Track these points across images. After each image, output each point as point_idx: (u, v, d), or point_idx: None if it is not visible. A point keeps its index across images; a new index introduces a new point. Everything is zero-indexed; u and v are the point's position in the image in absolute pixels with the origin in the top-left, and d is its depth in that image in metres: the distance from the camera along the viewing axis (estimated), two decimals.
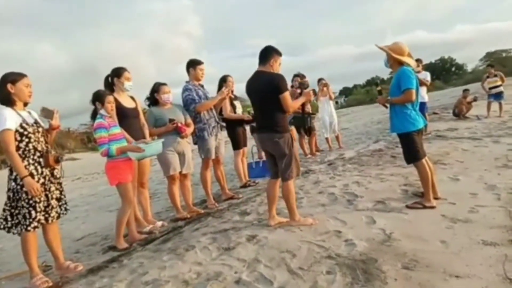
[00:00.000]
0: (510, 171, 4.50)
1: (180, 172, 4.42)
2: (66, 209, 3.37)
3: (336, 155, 7.23)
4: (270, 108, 3.37)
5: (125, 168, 3.67)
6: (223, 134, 5.19)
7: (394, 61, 3.73)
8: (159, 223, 4.27)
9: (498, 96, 10.46)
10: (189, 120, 4.54)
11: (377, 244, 2.87)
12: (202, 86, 4.90)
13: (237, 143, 5.63)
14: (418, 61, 8.38)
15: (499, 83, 10.47)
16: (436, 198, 3.69)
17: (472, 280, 2.23)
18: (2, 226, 3.05)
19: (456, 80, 56.15)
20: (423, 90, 8.03)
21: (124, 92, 4.14)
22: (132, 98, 4.26)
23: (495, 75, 10.63)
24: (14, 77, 3.00)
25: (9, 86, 2.97)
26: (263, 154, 6.35)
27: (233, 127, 5.54)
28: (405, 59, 3.71)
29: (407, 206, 3.63)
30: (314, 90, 4.32)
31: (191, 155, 4.60)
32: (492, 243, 2.67)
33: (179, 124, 4.27)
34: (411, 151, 3.70)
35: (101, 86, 4.07)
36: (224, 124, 5.23)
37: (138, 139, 3.89)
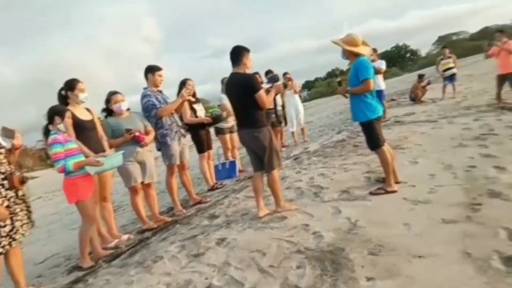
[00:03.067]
0: (465, 150, 4.70)
1: (143, 182, 4.30)
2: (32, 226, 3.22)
3: (301, 149, 7.31)
4: (247, 106, 3.59)
5: (84, 184, 3.52)
6: (187, 139, 5.11)
7: (349, 53, 3.81)
8: (125, 237, 4.15)
9: (452, 78, 10.92)
10: (149, 128, 4.43)
11: (343, 233, 2.91)
12: (160, 92, 4.80)
13: (201, 146, 5.56)
14: (374, 50, 8.61)
15: (452, 65, 10.90)
16: (397, 182, 3.80)
17: (435, 258, 2.30)
18: None
19: (411, 66, 58.44)
20: (379, 78, 8.25)
21: (80, 104, 3.98)
22: (88, 110, 4.11)
23: (449, 57, 11.08)
24: None
25: None
26: (229, 155, 6.34)
27: (195, 131, 5.47)
28: (359, 49, 3.79)
29: (371, 193, 3.72)
30: (284, 84, 4.35)
31: (154, 163, 4.49)
32: (452, 220, 2.77)
33: (137, 133, 4.15)
34: (373, 138, 3.81)
35: (55, 99, 3.90)
36: (186, 128, 5.14)
37: (97, 152, 3.76)
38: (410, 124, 7.48)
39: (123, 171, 4.17)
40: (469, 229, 2.58)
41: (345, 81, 4.16)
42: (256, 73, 7.04)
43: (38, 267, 4.27)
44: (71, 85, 3.92)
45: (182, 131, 4.87)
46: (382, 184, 3.84)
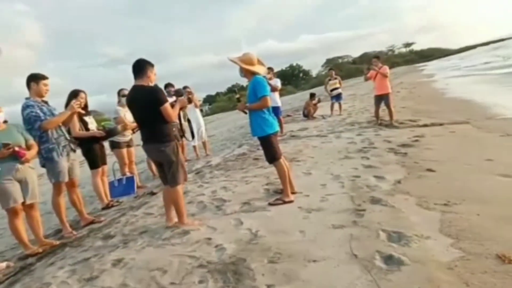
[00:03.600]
0: (350, 161, 5.25)
1: (24, 203, 3.80)
2: None
3: (204, 163, 7.30)
4: (153, 120, 3.49)
5: None
6: (77, 154, 4.68)
7: (246, 71, 3.97)
8: (3, 264, 3.60)
9: (338, 97, 12.13)
10: (31, 142, 3.95)
11: (245, 244, 2.98)
12: (46, 102, 4.32)
13: (94, 162, 5.16)
14: (270, 69, 9.10)
15: (338, 85, 12.12)
16: (293, 193, 4.05)
17: (327, 261, 2.50)
18: None
19: (304, 85, 63.21)
20: (276, 95, 8.74)
21: None
22: None
23: (335, 78, 12.29)
24: None
25: None
26: (126, 170, 6.01)
27: (87, 145, 5.05)
28: (255, 68, 3.98)
29: (270, 204, 3.90)
30: (189, 98, 4.31)
31: (37, 182, 4.01)
32: (340, 225, 3.05)
33: (16, 148, 3.67)
34: (270, 152, 4.00)
35: None
36: (76, 142, 4.69)
37: None
38: (304, 138, 8.07)
39: (0, 191, 3.64)
40: (355, 232, 2.87)
41: (244, 97, 4.32)
42: (169, 84, 6.90)
43: None
44: None
45: (72, 145, 4.44)
46: (280, 195, 4.05)
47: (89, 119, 5.15)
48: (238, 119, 19.06)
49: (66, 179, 4.28)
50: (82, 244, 3.78)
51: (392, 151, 5.48)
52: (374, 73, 8.69)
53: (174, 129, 7.03)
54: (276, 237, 3.03)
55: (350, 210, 3.38)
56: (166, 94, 6.59)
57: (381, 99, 8.60)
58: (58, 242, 4.02)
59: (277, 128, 4.07)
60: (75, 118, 4.79)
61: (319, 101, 12.98)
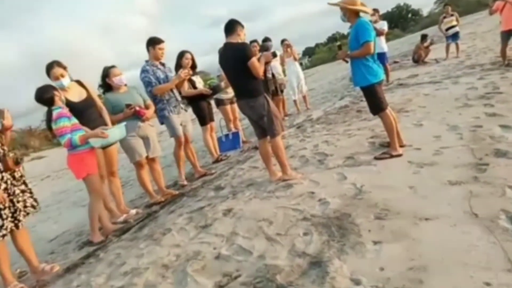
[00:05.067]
0: (470, 110, 4.63)
1: (147, 157, 4.30)
2: (34, 207, 3.22)
3: (304, 117, 7.25)
4: (241, 75, 3.57)
5: (90, 158, 3.53)
6: (189, 112, 5.08)
7: (350, 13, 3.67)
8: (133, 211, 4.19)
9: (455, 36, 10.63)
10: (149, 102, 4.39)
11: (349, 199, 2.92)
12: (163, 64, 4.73)
13: (203, 119, 5.53)
14: (375, 10, 8.35)
15: (454, 23, 10.59)
16: (402, 146, 3.78)
17: (441, 220, 2.30)
18: None
19: (413, 27, 56.82)
20: (381, 40, 8.04)
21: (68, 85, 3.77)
22: (81, 84, 3.92)
23: (452, 15, 10.75)
24: None
25: None
26: (231, 126, 6.31)
27: (196, 103, 5.41)
28: (360, 7, 3.66)
29: (375, 158, 3.71)
30: (274, 52, 4.25)
31: (157, 138, 4.47)
32: (458, 182, 2.76)
33: (137, 108, 4.11)
34: (375, 102, 3.75)
35: None
36: (186, 102, 5.08)
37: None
38: (413, 86, 7.37)
39: (126, 147, 4.16)
40: (476, 189, 2.57)
41: (345, 45, 4.06)
42: (254, 41, 6.88)
43: (50, 244, 4.35)
44: (47, 71, 3.71)
45: (183, 105, 4.83)
46: (387, 148, 3.81)
47: (197, 79, 5.45)
48: (339, 70, 18.26)
49: (181, 133, 4.69)
50: (197, 195, 4.16)
51: None
52: (501, 4, 7.31)
53: (272, 84, 7.15)
54: (383, 192, 2.89)
55: (470, 164, 3.02)
56: (262, 48, 6.62)
57: (510, 35, 7.26)
58: (177, 192, 4.50)
59: (382, 77, 3.76)
60: None
61: (431, 43, 11.55)
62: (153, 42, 4.57)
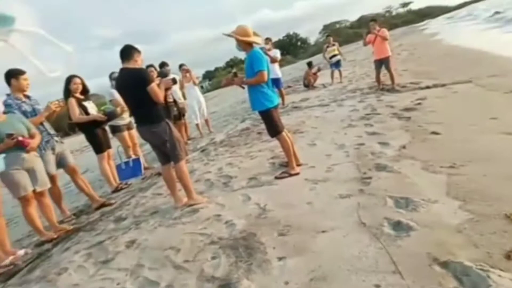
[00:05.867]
0: (354, 129, 5.23)
1: (34, 191, 3.86)
2: None
3: (208, 140, 7.33)
4: (141, 101, 3.50)
5: None
6: (64, 145, 4.73)
7: (243, 44, 3.89)
8: (21, 252, 3.69)
9: (337, 64, 11.94)
10: (33, 130, 3.97)
11: (254, 218, 3.03)
12: (28, 97, 4.35)
13: (99, 146, 5.20)
14: (268, 39, 8.94)
15: (336, 52, 11.90)
16: (299, 165, 4.07)
17: (336, 231, 2.53)
18: None
19: (303, 54, 62.07)
20: (275, 67, 8.62)
21: None
22: None
23: (333, 44, 12.05)
24: None
25: None
26: (131, 152, 6.04)
27: (89, 130, 5.08)
28: (252, 38, 3.89)
29: (276, 177, 3.93)
30: (173, 79, 4.23)
31: (44, 169, 4.04)
32: (347, 195, 3.08)
33: (20, 138, 3.69)
34: (272, 126, 3.99)
35: None
36: (59, 135, 4.75)
37: None
38: (306, 109, 8.02)
39: (9, 181, 3.68)
40: (362, 200, 2.90)
41: (241, 71, 4.26)
42: (151, 65, 6.78)
43: None
44: None
45: (56, 138, 4.51)
46: (286, 168, 4.07)
47: (89, 104, 5.12)
48: (239, 94, 18.88)
49: (54, 171, 4.41)
50: (95, 228, 3.86)
51: (396, 116, 5.45)
52: (373, 37, 8.51)
53: (175, 109, 7.11)
54: (284, 210, 3.07)
55: (356, 178, 3.39)
56: (160, 73, 6.56)
57: (382, 63, 8.46)
58: (71, 227, 4.11)
59: (277, 101, 4.03)
60: (74, 103, 4.83)
61: (319, 69, 12.81)
62: (15, 74, 4.19)
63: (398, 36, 34.22)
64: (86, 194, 4.78)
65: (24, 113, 4.16)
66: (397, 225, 2.41)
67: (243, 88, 4.07)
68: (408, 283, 1.84)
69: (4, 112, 3.85)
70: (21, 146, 3.70)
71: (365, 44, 9.13)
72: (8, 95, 4.13)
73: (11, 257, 3.58)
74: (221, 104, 17.96)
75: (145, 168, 6.14)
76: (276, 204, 3.21)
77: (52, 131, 4.48)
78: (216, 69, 77.18)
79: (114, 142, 5.85)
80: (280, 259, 2.34)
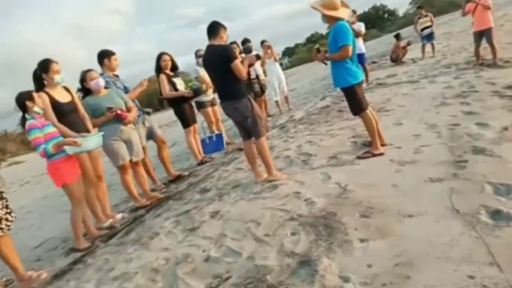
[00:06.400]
0: (447, 108, 4.79)
1: (131, 160, 4.25)
2: (12, 217, 3.14)
3: (287, 118, 7.33)
4: (225, 77, 3.61)
5: (67, 167, 3.45)
6: (152, 118, 5.13)
7: (328, 18, 3.74)
8: (119, 216, 4.14)
9: (430, 37, 10.93)
10: (130, 104, 4.34)
11: (334, 198, 2.98)
12: (117, 76, 4.74)
13: (186, 121, 5.52)
14: (353, 12, 8.49)
15: (429, 23, 10.89)
16: (383, 145, 3.87)
17: (424, 216, 2.38)
18: None
19: (390, 27, 57.93)
20: (359, 41, 8.20)
21: (56, 86, 3.80)
22: (67, 89, 3.92)
23: (426, 15, 11.05)
24: None
25: None
26: (214, 128, 6.31)
27: (177, 105, 5.42)
28: (339, 13, 3.70)
29: (358, 157, 3.79)
30: (257, 55, 4.27)
31: (139, 141, 4.43)
32: (438, 179, 2.86)
33: (119, 111, 4.06)
34: (355, 103, 3.83)
35: (30, 81, 3.73)
36: (149, 110, 5.16)
37: (80, 133, 3.67)
38: (392, 85, 7.55)
39: (109, 151, 4.11)
40: (456, 186, 2.67)
41: (324, 45, 4.12)
42: (234, 42, 6.90)
43: (36, 251, 4.24)
44: (45, 67, 3.71)
45: (144, 111, 4.89)
46: (369, 147, 3.91)
47: (178, 80, 5.44)
48: (319, 71, 18.44)
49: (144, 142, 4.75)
50: (183, 197, 4.15)
51: (497, 94, 4.87)
52: (473, 6, 7.58)
53: (256, 85, 7.21)
54: (366, 191, 2.97)
55: (449, 162, 3.13)
56: (244, 50, 6.67)
57: (482, 35, 7.53)
58: (162, 196, 4.48)
59: (362, 78, 3.85)
60: (164, 79, 5.18)
61: (408, 43, 11.84)
62: (108, 54, 4.56)
63: (502, 5, 30.04)
64: (165, 166, 5.16)
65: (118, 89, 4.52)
66: (496, 214, 2.20)
67: (326, 64, 3.95)
68: (508, 277, 1.67)
69: (105, 87, 4.24)
70: (119, 119, 4.08)
71: (464, 14, 8.21)
72: (101, 74, 4.49)
73: (110, 220, 4.03)
74: (300, 81, 17.73)
75: (227, 143, 6.38)
76: (357, 185, 3.12)
77: (140, 106, 4.86)
78: (296, 45, 75.85)
79: (199, 117, 6.15)
80: (362, 240, 2.28)
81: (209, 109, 6.28)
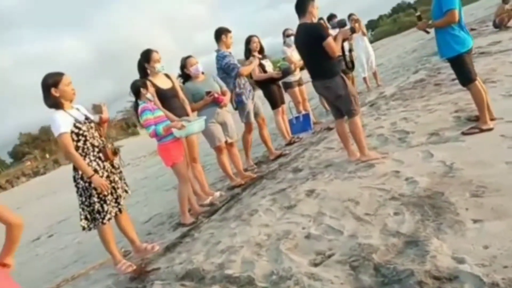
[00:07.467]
0: None
1: (226, 142, 4.49)
2: (126, 191, 3.53)
3: (376, 94, 7.02)
4: (317, 56, 3.58)
5: (175, 148, 3.79)
6: (259, 96, 5.27)
7: None
8: (217, 194, 4.43)
9: None
10: (225, 88, 4.55)
11: (439, 177, 2.82)
12: (230, 53, 4.91)
13: (275, 102, 5.62)
14: None
15: None
16: (492, 119, 3.52)
17: None
18: (86, 227, 3.19)
19: None
20: None
21: (158, 74, 4.13)
22: (168, 76, 4.25)
23: None
24: (54, 80, 3.01)
25: (53, 90, 2.99)
26: (301, 108, 6.31)
27: (266, 87, 5.53)
28: None
29: (463, 133, 3.51)
30: (352, 28, 4.08)
31: (234, 123, 4.64)
32: None
33: (216, 95, 4.29)
34: (464, 73, 3.53)
35: (128, 71, 4.13)
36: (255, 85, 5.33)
37: (181, 117, 3.97)
38: (497, 54, 6.74)
39: (207, 132, 4.38)
40: None
41: (424, 14, 3.83)
42: (321, 18, 6.72)
43: (145, 225, 4.75)
44: (146, 57, 4.05)
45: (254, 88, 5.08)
46: (475, 122, 3.59)
47: (266, 62, 5.55)
48: (406, 42, 17.23)
49: (253, 119, 4.86)
50: (276, 177, 4.27)
51: None
52: None
53: (342, 62, 6.98)
54: (476, 169, 2.75)
55: None
56: (330, 26, 6.49)
57: None
58: (256, 175, 4.66)
59: (471, 45, 3.50)
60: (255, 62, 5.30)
61: None
62: (225, 31, 4.76)
63: None
64: (266, 145, 5.30)
65: (235, 64, 4.77)
66: None
67: (428, 32, 3.67)
68: None
69: (202, 73, 4.50)
70: (216, 103, 4.31)
71: None
72: (217, 50, 4.79)
73: (210, 197, 4.34)
74: (387, 55, 16.69)
75: (314, 123, 6.35)
76: (465, 163, 2.90)
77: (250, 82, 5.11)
78: (380, 17, 71.16)
79: (286, 98, 6.20)
80: (475, 221, 2.15)
81: (296, 89, 6.28)
